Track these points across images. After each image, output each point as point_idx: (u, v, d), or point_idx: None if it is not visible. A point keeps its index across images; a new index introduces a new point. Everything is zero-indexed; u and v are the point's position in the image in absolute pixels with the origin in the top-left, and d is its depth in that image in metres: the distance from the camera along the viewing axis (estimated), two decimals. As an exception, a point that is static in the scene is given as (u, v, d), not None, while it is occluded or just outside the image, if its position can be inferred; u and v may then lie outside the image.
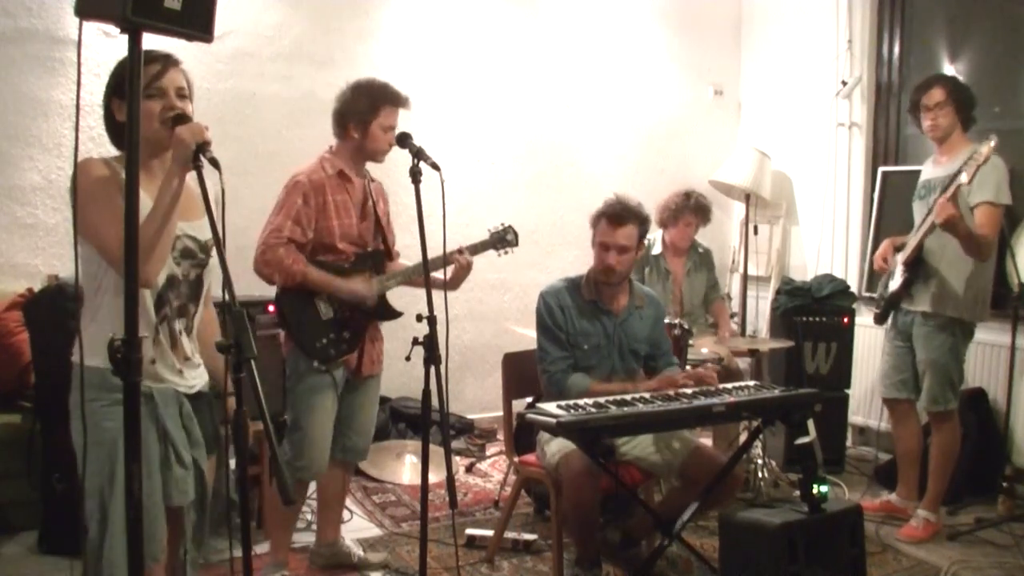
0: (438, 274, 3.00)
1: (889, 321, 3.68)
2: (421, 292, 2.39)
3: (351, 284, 2.86)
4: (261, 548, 3.09)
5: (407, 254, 3.13)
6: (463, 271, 2.99)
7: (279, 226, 2.76)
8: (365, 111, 2.84)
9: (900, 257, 3.54)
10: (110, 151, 2.02)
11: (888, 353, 3.69)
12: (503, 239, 3.13)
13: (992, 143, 3.14)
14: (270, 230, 2.76)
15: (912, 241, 3.44)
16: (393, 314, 3.01)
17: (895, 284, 3.55)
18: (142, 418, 1.80)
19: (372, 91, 2.88)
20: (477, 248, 3.07)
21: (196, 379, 2.12)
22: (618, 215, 2.97)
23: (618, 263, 2.97)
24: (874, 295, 3.80)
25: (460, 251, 2.97)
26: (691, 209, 4.31)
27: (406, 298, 4.73)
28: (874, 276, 3.79)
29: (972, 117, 3.46)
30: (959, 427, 3.55)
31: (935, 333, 3.43)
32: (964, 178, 3.15)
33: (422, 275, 2.91)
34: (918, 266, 3.46)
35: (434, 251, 2.75)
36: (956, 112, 3.40)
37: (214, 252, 2.10)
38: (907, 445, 3.72)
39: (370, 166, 3.03)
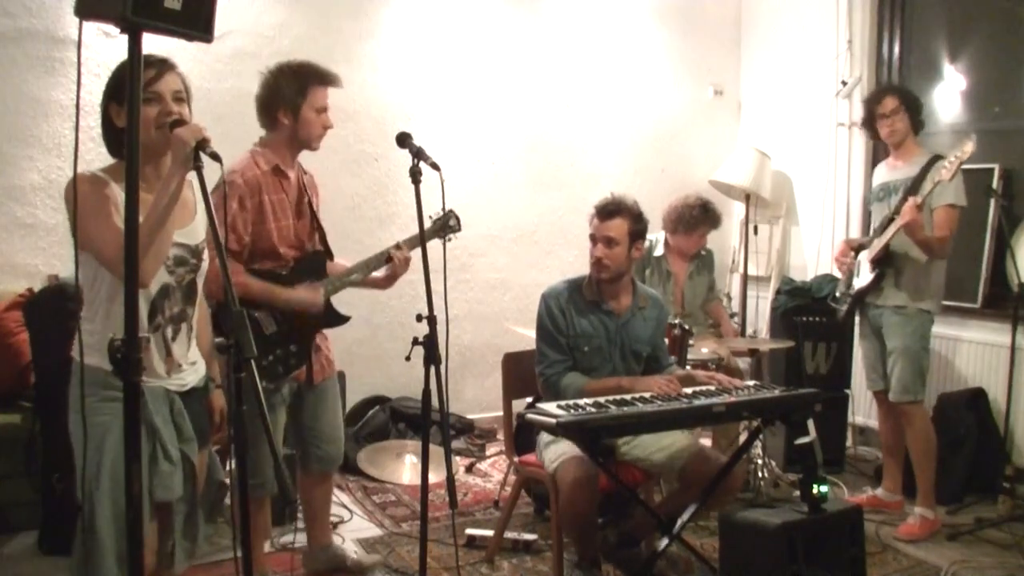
0: (378, 273, 2.90)
1: (858, 318, 3.82)
2: (422, 292, 2.38)
3: (295, 293, 2.69)
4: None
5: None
6: (400, 266, 2.86)
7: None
8: (294, 94, 2.67)
9: (866, 255, 3.66)
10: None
11: (864, 349, 3.81)
12: (446, 225, 2.96)
13: (972, 142, 3.28)
14: None
15: (881, 240, 3.56)
16: (340, 319, 2.89)
17: (862, 281, 3.68)
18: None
19: (298, 72, 2.70)
20: (416, 240, 2.84)
21: (189, 377, 2.12)
22: (606, 208, 3.00)
23: (605, 256, 2.97)
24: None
25: (398, 246, 2.84)
26: (709, 222, 4.28)
27: (406, 298, 4.75)
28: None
29: (921, 121, 3.68)
30: (929, 416, 3.63)
31: (905, 323, 3.55)
32: (945, 175, 3.30)
33: (367, 275, 2.87)
34: (885, 263, 3.59)
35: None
36: (909, 116, 3.61)
37: (205, 255, 2.12)
38: (892, 439, 3.79)
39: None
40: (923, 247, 3.46)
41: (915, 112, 3.62)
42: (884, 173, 3.76)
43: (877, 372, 3.74)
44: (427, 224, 2.81)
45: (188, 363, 2.13)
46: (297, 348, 2.74)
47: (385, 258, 2.86)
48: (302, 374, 2.78)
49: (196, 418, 2.14)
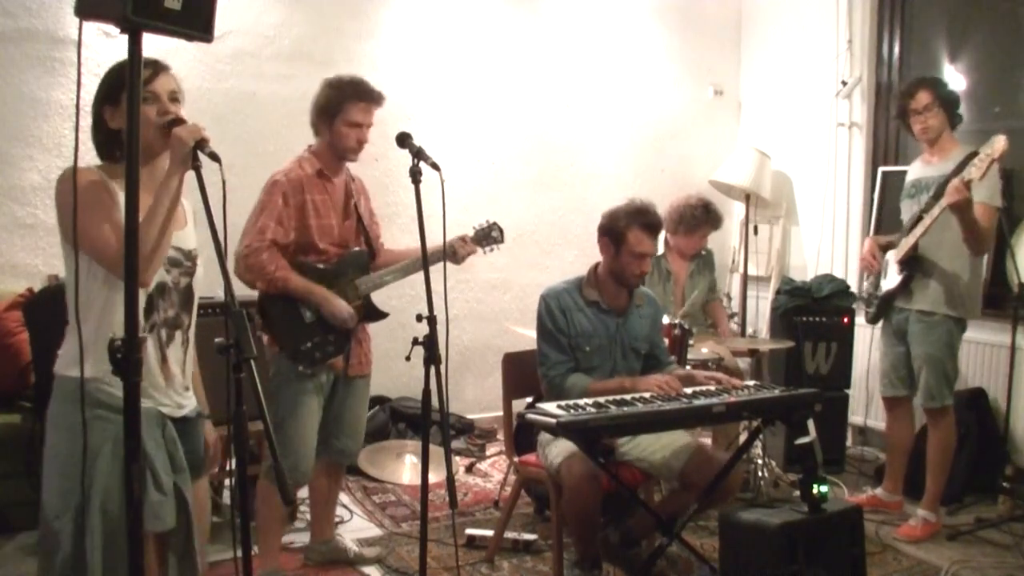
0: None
1: (882, 320, 3.71)
2: (422, 292, 2.39)
3: (333, 304, 2.80)
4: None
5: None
6: (463, 258, 3.03)
7: (262, 228, 2.71)
8: (331, 108, 2.81)
9: (894, 256, 3.57)
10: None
11: (884, 352, 3.72)
12: (488, 236, 3.10)
13: (1003, 139, 3.14)
14: (253, 232, 2.72)
15: (908, 240, 3.46)
16: (379, 315, 2.99)
17: (890, 283, 3.58)
18: (118, 435, 1.71)
19: (338, 87, 2.84)
20: (479, 236, 3.09)
21: (185, 402, 2.06)
22: (655, 225, 2.98)
23: (648, 269, 3.03)
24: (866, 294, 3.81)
25: (463, 240, 3.01)
26: (711, 222, 4.28)
27: (405, 298, 4.74)
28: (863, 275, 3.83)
29: (958, 115, 3.52)
30: (955, 424, 3.57)
31: (931, 329, 3.46)
32: (975, 173, 3.15)
33: (411, 273, 2.96)
34: (913, 264, 3.49)
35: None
36: (944, 112, 3.46)
37: (200, 262, 2.09)
38: (899, 441, 3.77)
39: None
40: (969, 233, 3.25)
41: (951, 107, 3.46)
42: (917, 169, 3.62)
43: (889, 378, 3.67)
44: (470, 233, 3.05)
45: (183, 384, 2.05)
46: (336, 337, 2.85)
47: (445, 254, 2.96)
48: (339, 363, 2.88)
49: (192, 447, 2.07)
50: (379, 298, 4.41)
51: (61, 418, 1.87)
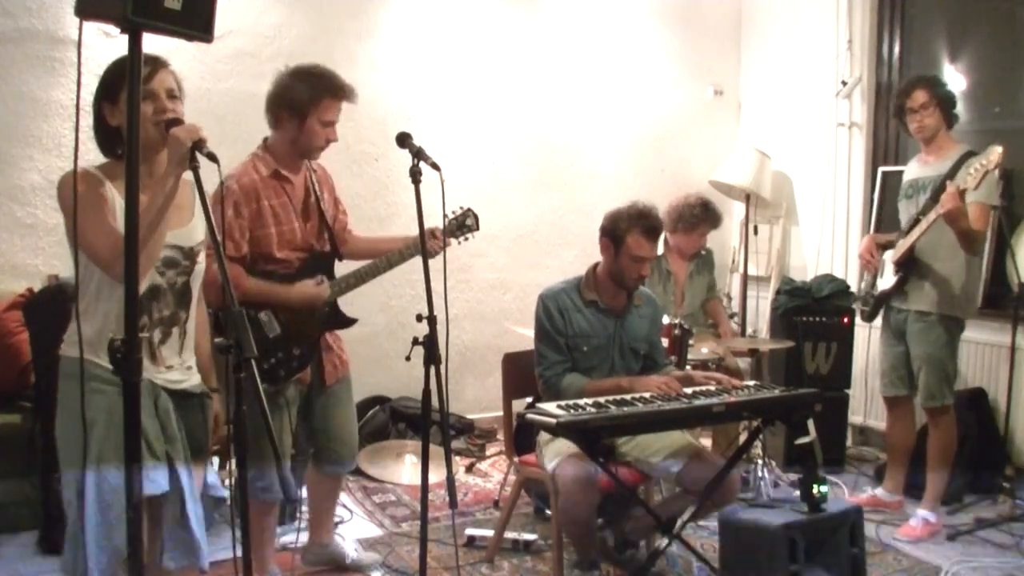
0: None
1: (880, 319, 3.72)
2: (421, 292, 2.38)
3: (294, 290, 2.65)
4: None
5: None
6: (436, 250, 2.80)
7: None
8: (304, 101, 2.59)
9: (891, 256, 3.57)
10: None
11: (884, 352, 3.72)
12: (463, 224, 2.94)
13: (999, 150, 3.14)
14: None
15: (905, 242, 3.47)
16: (346, 322, 2.87)
17: (887, 283, 3.59)
18: (112, 406, 1.81)
19: (314, 79, 2.62)
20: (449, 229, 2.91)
21: (181, 377, 2.09)
22: (655, 229, 2.96)
23: (647, 273, 3.02)
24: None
25: (433, 234, 2.78)
26: (710, 221, 4.29)
27: (406, 298, 4.75)
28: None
29: (955, 115, 3.52)
30: (955, 423, 3.57)
31: (929, 329, 3.46)
32: (971, 183, 3.15)
33: (382, 273, 2.83)
34: (910, 265, 3.49)
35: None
36: (940, 111, 3.45)
37: (200, 258, 2.10)
38: (899, 440, 3.77)
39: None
40: (962, 238, 3.27)
41: (948, 106, 3.46)
42: (915, 169, 3.62)
43: (890, 377, 3.66)
44: (441, 225, 2.83)
45: (182, 366, 2.09)
46: (300, 351, 2.72)
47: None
48: (306, 376, 2.76)
49: (193, 426, 2.10)
50: (379, 298, 4.45)
51: (64, 397, 1.92)
